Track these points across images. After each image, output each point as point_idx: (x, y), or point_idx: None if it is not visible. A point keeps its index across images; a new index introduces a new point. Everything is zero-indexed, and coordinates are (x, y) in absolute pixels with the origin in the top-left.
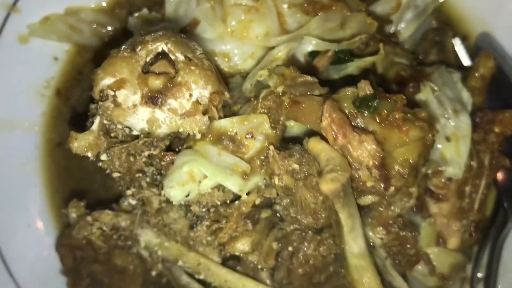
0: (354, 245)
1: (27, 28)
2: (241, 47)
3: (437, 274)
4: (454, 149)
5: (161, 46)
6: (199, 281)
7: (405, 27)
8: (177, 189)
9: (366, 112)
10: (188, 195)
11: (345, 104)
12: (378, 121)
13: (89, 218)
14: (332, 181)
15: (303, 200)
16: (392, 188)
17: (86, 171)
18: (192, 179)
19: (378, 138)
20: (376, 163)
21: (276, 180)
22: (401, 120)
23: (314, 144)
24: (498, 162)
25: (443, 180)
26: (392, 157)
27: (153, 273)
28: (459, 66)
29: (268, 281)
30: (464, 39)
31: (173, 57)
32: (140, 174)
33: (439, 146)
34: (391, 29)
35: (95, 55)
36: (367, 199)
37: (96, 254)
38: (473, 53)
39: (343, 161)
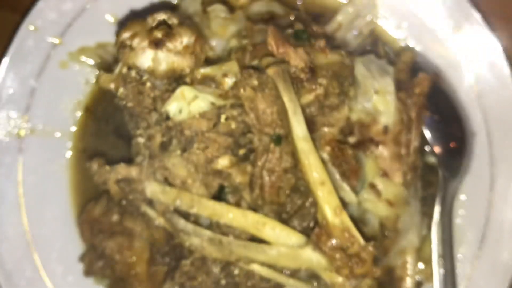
0: (298, 128)
1: (68, 55)
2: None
3: (384, 199)
4: (383, 101)
5: (162, 16)
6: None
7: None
8: (172, 104)
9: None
10: (180, 111)
11: None
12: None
13: (107, 168)
14: (275, 67)
15: (262, 110)
16: (321, 89)
17: None
18: (183, 97)
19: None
20: (306, 65)
21: (241, 91)
22: (324, 47)
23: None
24: (422, 114)
25: (380, 128)
26: (318, 67)
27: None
28: None
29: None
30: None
31: (170, 22)
32: (147, 111)
33: (373, 98)
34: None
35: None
36: (306, 98)
37: (111, 226)
38: None
39: None
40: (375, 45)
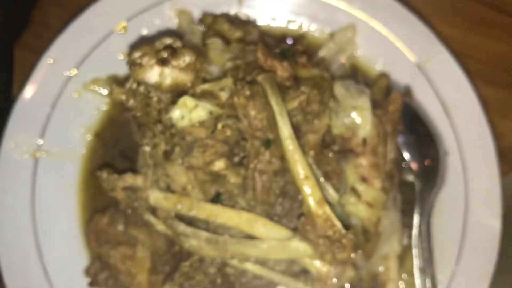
0: (284, 129)
1: (82, 85)
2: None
3: (364, 201)
4: (360, 117)
5: (168, 41)
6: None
7: None
8: (176, 111)
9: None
10: (183, 118)
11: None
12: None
13: (115, 176)
14: (264, 74)
15: (254, 116)
16: (304, 96)
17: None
18: (185, 106)
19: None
20: (290, 75)
21: (235, 99)
22: (306, 62)
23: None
24: (396, 128)
25: (359, 140)
26: (301, 79)
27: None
28: None
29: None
30: None
31: (174, 46)
32: (153, 122)
33: (351, 114)
34: None
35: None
36: (291, 104)
37: (116, 236)
38: None
39: None
40: (354, 75)
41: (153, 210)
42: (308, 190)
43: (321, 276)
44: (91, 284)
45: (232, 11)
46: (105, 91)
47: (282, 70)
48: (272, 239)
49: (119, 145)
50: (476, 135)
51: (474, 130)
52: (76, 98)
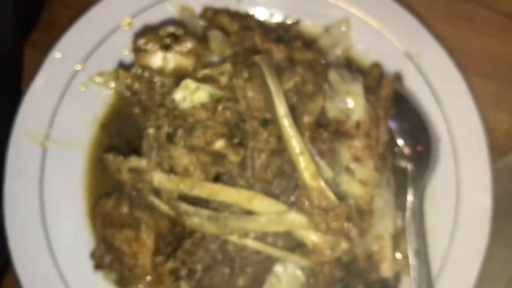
0: (280, 107)
1: (88, 78)
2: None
3: (357, 179)
4: (354, 101)
5: (171, 29)
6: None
7: None
8: (178, 93)
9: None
10: (185, 99)
11: None
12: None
13: (121, 158)
14: (261, 55)
15: (252, 97)
16: (299, 76)
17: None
18: (187, 88)
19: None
20: (286, 57)
21: (234, 81)
22: (301, 46)
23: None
24: (388, 113)
25: (352, 123)
26: (296, 61)
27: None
28: None
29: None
30: None
31: (177, 33)
32: (157, 105)
33: (345, 99)
34: None
35: (127, 101)
36: (287, 84)
37: (121, 218)
38: None
39: None
40: (349, 66)
41: (157, 192)
42: (303, 165)
43: (316, 247)
44: (96, 267)
45: (232, 8)
46: (111, 84)
47: (278, 52)
48: (270, 213)
49: (124, 135)
50: (466, 121)
51: (464, 117)
52: (83, 91)
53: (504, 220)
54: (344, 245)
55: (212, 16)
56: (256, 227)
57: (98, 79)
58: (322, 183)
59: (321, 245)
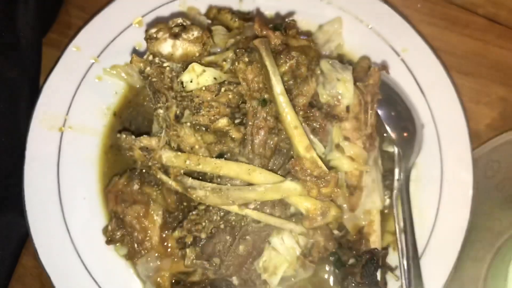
0: (277, 85)
1: (103, 71)
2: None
3: (347, 156)
4: (344, 88)
5: (179, 20)
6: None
7: None
8: (186, 75)
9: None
10: (191, 81)
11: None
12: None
13: (133, 137)
14: (259, 39)
15: (251, 79)
16: (293, 60)
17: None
18: (194, 71)
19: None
20: (281, 41)
21: (236, 64)
22: (295, 34)
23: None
24: (376, 98)
25: (343, 107)
26: (291, 47)
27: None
28: None
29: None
30: None
31: (184, 23)
32: (166, 88)
33: (336, 85)
34: None
35: (138, 92)
36: (282, 67)
37: (132, 195)
38: None
39: None
40: (341, 60)
41: (165, 171)
42: (297, 138)
43: (309, 213)
44: (108, 242)
45: (234, 8)
46: (123, 76)
47: (274, 38)
48: (267, 183)
49: (135, 123)
50: (448, 108)
51: (446, 105)
52: (97, 82)
53: (489, 207)
54: (334, 211)
55: (215, 13)
56: (255, 196)
57: (111, 72)
58: (314, 154)
59: (313, 211)
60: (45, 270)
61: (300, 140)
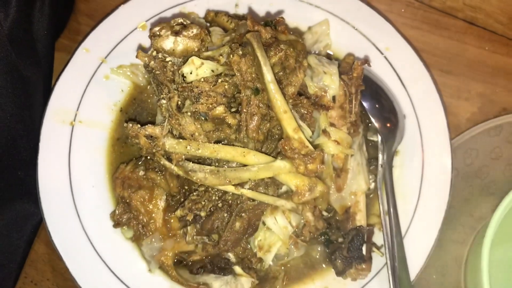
0: (268, 74)
1: (110, 70)
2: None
3: (333, 140)
4: (330, 80)
5: (180, 20)
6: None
7: None
8: (186, 67)
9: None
10: (191, 72)
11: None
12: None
13: (139, 125)
14: (251, 33)
15: (245, 70)
16: (282, 52)
17: (131, 155)
18: (193, 63)
19: (273, 35)
20: (272, 36)
21: (231, 57)
22: (284, 29)
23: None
24: (359, 90)
25: (329, 98)
26: (280, 41)
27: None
28: None
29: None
30: None
31: (185, 23)
32: (169, 80)
33: (323, 77)
34: None
35: (143, 89)
36: (273, 58)
37: (138, 180)
38: None
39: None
40: (328, 57)
41: (167, 157)
42: (287, 121)
43: (297, 189)
44: (115, 225)
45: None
46: (129, 76)
47: (265, 33)
48: (260, 163)
49: (140, 118)
50: (427, 100)
51: (426, 97)
52: (105, 81)
53: (470, 193)
54: (320, 187)
55: (213, 17)
56: (250, 175)
57: (118, 71)
58: (302, 135)
59: (301, 187)
60: (58, 252)
61: (289, 123)
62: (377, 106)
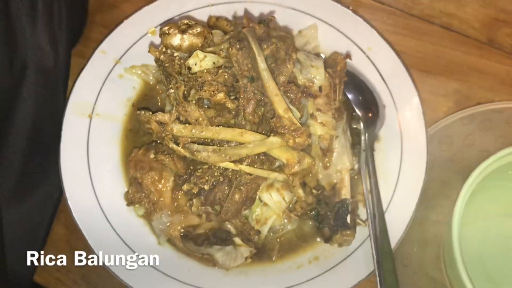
0: (261, 63)
1: (123, 70)
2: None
3: (319, 122)
4: (316, 72)
5: (186, 21)
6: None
7: None
8: (191, 60)
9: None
10: (196, 64)
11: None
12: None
13: (150, 112)
14: (247, 28)
15: (242, 62)
16: (273, 45)
17: (142, 144)
18: (198, 56)
19: (266, 31)
20: (264, 31)
21: (230, 50)
22: (275, 26)
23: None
24: (342, 81)
25: (316, 88)
26: (272, 36)
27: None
28: None
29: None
30: None
31: (190, 23)
32: (176, 72)
33: (310, 70)
34: None
35: (152, 87)
36: (265, 51)
37: (149, 163)
38: None
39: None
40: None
41: (175, 141)
42: (278, 103)
43: (288, 162)
44: (128, 204)
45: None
46: (140, 75)
47: (259, 29)
48: (256, 141)
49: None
50: (404, 92)
51: (403, 89)
52: (119, 79)
53: (447, 177)
54: (307, 159)
55: (214, 21)
56: (247, 151)
57: (131, 70)
58: (291, 115)
59: (291, 159)
60: (79, 227)
61: (280, 104)
62: (360, 98)
